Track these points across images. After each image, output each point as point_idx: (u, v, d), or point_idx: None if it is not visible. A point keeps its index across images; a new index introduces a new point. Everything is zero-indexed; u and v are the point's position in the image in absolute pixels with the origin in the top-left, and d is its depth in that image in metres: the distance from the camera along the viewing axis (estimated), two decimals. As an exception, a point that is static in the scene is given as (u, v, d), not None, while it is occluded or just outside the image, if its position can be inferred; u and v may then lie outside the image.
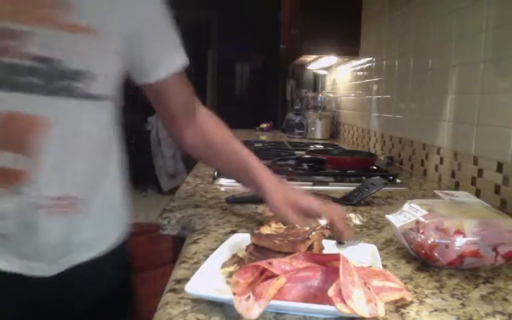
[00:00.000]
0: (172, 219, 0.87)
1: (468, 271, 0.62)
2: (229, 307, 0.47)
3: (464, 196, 1.05)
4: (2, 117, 0.60)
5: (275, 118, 4.45)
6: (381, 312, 0.45)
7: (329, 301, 0.45)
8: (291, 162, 1.47)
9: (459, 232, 0.61)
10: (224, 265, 0.58)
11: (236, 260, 0.59)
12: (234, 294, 0.47)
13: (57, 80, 0.61)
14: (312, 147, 1.97)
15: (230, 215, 0.89)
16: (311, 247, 0.58)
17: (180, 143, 0.89)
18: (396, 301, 0.51)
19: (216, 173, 1.24)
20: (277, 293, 0.46)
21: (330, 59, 2.60)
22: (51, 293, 0.67)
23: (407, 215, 0.67)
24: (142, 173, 5.57)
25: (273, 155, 1.59)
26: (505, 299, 0.54)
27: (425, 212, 0.65)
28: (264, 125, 3.56)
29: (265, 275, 0.48)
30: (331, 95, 2.84)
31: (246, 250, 0.59)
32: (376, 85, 1.96)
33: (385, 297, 0.49)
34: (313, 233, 0.59)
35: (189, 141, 0.87)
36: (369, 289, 0.47)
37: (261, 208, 0.94)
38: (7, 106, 0.60)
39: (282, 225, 0.66)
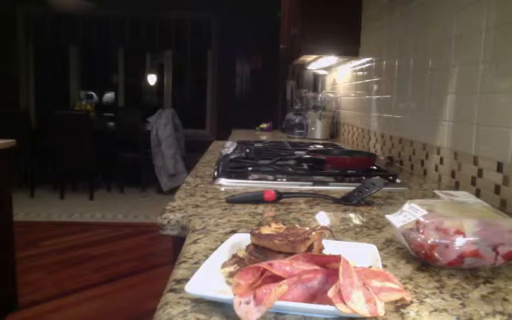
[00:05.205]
0: (172, 219, 0.87)
1: (468, 270, 0.62)
2: (229, 307, 0.47)
3: (464, 196, 1.05)
4: None
5: (275, 118, 4.46)
6: (381, 311, 0.45)
7: (329, 302, 0.45)
8: (291, 162, 1.47)
9: (459, 232, 0.61)
10: (224, 265, 0.58)
11: (236, 260, 0.59)
12: (235, 295, 0.47)
13: None
14: (312, 147, 1.97)
15: (230, 214, 0.88)
16: (310, 247, 0.58)
17: None
18: (396, 301, 0.51)
19: (216, 173, 1.23)
20: (277, 293, 0.46)
21: (330, 59, 2.60)
22: None
23: (407, 215, 0.67)
24: (142, 173, 5.58)
25: (272, 155, 1.59)
26: (505, 299, 0.54)
27: (424, 212, 0.65)
28: (264, 125, 3.57)
29: (265, 275, 0.48)
30: (331, 94, 2.84)
31: (246, 250, 0.59)
32: (376, 84, 1.96)
33: (385, 297, 0.49)
34: (313, 233, 0.59)
35: None
36: (368, 289, 0.47)
37: (260, 208, 0.94)
38: None
39: (282, 225, 0.66)
